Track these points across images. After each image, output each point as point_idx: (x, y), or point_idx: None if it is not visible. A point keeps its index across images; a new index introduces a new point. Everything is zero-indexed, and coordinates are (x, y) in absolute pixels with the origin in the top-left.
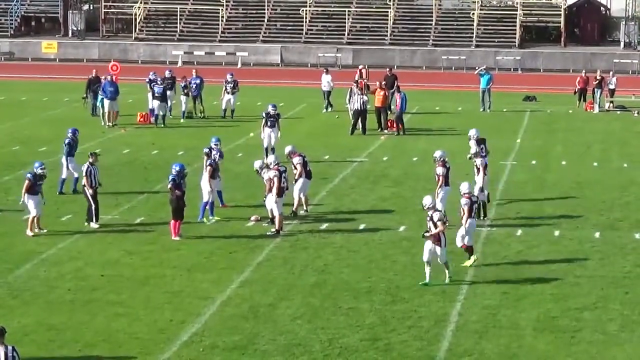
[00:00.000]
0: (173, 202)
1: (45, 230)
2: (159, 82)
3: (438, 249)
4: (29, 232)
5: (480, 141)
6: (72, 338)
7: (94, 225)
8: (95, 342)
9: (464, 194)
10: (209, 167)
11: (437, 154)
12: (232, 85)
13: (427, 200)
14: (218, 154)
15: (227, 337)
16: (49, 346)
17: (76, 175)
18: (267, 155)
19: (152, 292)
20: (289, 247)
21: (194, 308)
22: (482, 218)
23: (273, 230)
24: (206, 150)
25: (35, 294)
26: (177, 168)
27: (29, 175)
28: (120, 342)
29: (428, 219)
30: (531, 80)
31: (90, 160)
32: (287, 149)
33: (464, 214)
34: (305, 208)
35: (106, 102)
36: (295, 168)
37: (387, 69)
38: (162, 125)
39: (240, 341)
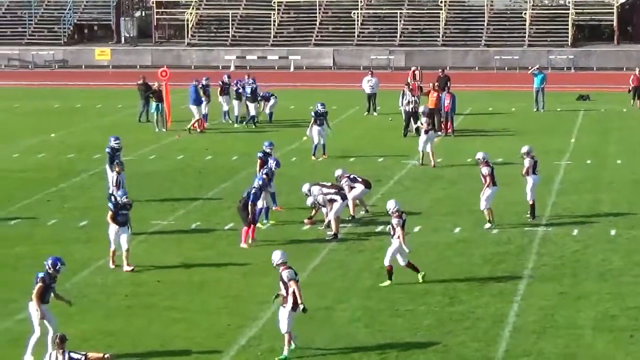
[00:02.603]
0: (240, 210)
1: (113, 267)
2: (249, 83)
3: (284, 313)
4: (110, 265)
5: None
6: (131, 344)
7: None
8: (153, 347)
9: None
10: (264, 176)
11: (480, 155)
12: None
13: (275, 257)
14: (275, 162)
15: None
16: (108, 352)
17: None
18: (314, 154)
19: (208, 297)
20: (344, 251)
21: (251, 312)
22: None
23: (331, 233)
24: (260, 154)
25: (93, 301)
26: (260, 183)
27: (110, 205)
28: (178, 347)
29: (279, 279)
30: (584, 79)
31: (117, 169)
32: (337, 172)
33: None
34: (365, 209)
35: (194, 107)
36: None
37: (440, 70)
38: (254, 127)
39: (297, 345)
